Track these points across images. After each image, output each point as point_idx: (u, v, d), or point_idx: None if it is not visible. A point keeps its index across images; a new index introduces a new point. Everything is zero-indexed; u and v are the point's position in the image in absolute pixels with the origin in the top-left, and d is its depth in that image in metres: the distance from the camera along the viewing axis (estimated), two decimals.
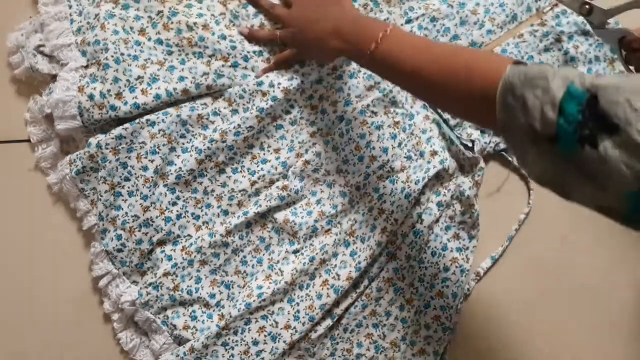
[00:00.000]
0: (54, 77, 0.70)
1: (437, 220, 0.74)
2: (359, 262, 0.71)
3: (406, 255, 0.74)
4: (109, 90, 0.67)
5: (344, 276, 0.71)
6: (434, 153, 0.74)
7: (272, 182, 0.73)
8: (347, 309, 0.71)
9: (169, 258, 0.70)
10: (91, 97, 0.66)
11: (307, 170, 0.72)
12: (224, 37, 0.70)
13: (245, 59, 0.70)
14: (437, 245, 0.75)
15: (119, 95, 0.67)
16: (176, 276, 0.69)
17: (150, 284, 0.69)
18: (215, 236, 0.70)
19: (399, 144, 0.74)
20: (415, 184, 0.73)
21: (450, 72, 0.54)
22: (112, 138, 0.67)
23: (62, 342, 0.73)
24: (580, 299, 0.79)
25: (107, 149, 0.67)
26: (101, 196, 0.69)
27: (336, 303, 0.71)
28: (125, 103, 0.67)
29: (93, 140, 0.67)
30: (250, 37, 0.71)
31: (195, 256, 0.70)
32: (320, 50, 0.67)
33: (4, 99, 0.73)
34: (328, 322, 0.71)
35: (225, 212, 0.72)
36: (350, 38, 0.63)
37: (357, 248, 0.72)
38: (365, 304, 0.73)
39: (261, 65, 0.71)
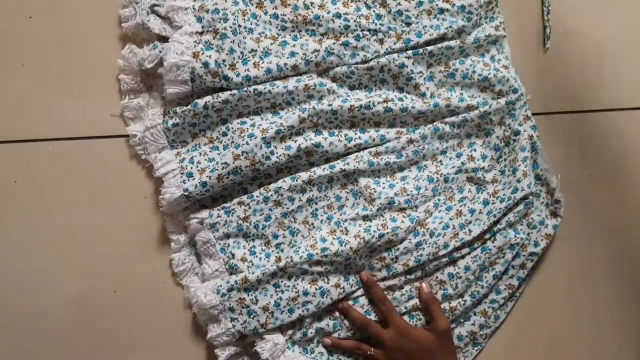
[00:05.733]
0: (160, 38, 0.69)
1: (510, 246, 0.75)
2: (421, 255, 0.73)
3: (466, 266, 0.74)
4: (224, 60, 0.67)
5: (402, 262, 0.73)
6: (525, 174, 0.74)
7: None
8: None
9: (246, 190, 0.72)
10: (206, 64, 0.66)
11: (408, 148, 0.74)
12: (338, 16, 0.69)
13: (357, 38, 0.70)
14: (501, 269, 0.75)
15: (232, 66, 0.67)
16: (249, 207, 0.70)
17: (222, 208, 0.70)
18: (297, 180, 0.70)
19: (499, 157, 0.76)
20: (500, 202, 0.74)
21: None
22: (219, 102, 0.68)
23: (63, 344, 0.72)
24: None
25: (212, 109, 0.68)
26: (198, 147, 0.69)
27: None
28: (238, 75, 0.67)
29: (200, 101, 0.67)
30: (335, 346, 0.72)
31: (272, 195, 0.70)
32: None
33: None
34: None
35: (312, 164, 0.73)
36: None
37: (423, 240, 0.73)
38: (411, 295, 0.74)
39: (373, 45, 0.71)
